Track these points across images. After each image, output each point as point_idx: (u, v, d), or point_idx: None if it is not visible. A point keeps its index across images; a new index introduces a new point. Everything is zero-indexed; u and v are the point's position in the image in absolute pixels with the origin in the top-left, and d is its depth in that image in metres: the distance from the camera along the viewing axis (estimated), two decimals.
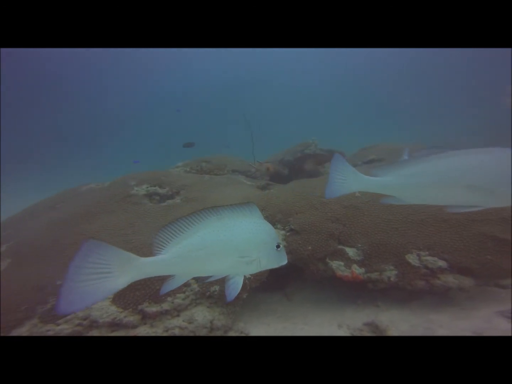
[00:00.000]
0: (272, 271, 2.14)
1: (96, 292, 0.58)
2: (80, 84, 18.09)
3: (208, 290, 1.45)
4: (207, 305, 1.41)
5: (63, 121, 18.19)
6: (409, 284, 1.60)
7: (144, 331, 1.23)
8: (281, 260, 0.82)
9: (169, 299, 1.36)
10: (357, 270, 1.72)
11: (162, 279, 1.40)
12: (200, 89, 22.45)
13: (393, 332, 1.52)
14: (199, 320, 1.33)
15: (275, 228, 2.09)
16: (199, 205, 2.03)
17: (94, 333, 1.17)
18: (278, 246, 0.80)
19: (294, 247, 1.92)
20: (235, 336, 1.49)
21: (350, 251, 1.80)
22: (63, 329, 1.19)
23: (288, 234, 2.03)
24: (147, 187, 2.17)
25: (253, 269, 0.78)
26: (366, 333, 1.60)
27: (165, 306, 1.33)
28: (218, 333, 1.45)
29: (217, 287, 1.45)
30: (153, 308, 1.30)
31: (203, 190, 2.27)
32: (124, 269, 0.63)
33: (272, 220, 2.14)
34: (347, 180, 0.98)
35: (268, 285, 2.21)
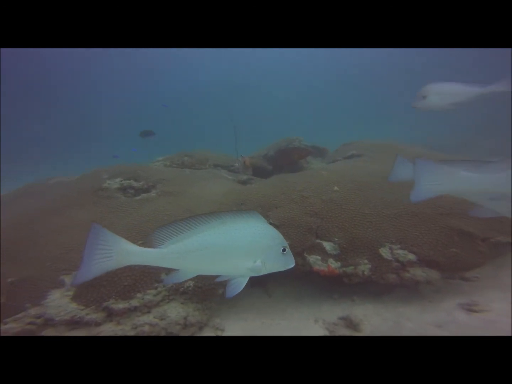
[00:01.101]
0: None
1: (98, 269, 0.71)
2: (72, 83, 18.05)
3: (182, 286, 1.42)
4: (181, 301, 1.38)
5: (59, 120, 18.13)
6: (381, 278, 1.63)
7: (109, 328, 1.19)
8: (288, 263, 0.84)
9: (138, 295, 1.32)
10: (333, 264, 1.74)
11: (131, 276, 1.35)
12: (190, 88, 22.52)
13: (366, 326, 1.56)
14: (172, 317, 1.30)
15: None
16: (176, 199, 1.98)
17: (50, 332, 1.11)
18: (284, 250, 0.82)
19: None
20: (208, 336, 1.47)
21: (327, 245, 1.82)
22: (10, 328, 1.11)
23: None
24: (121, 181, 2.08)
25: (257, 271, 0.82)
26: (341, 327, 1.63)
27: (134, 302, 1.28)
28: (192, 330, 1.42)
29: (191, 283, 1.42)
30: (120, 305, 1.25)
31: (182, 184, 2.21)
32: (122, 254, 0.73)
33: None
34: (438, 180, 0.95)
35: (248, 281, 2.21)
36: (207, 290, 1.44)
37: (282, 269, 0.84)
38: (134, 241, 1.52)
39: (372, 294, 1.85)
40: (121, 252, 0.73)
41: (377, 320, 1.59)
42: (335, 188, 2.18)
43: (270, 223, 2.06)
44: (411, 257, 1.60)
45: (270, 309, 1.93)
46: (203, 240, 0.75)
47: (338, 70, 21.80)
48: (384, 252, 1.65)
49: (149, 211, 1.78)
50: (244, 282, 0.82)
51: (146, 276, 1.37)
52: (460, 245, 1.54)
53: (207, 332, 1.51)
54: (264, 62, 21.87)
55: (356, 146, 3.21)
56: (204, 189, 2.19)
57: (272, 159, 4.00)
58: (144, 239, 1.52)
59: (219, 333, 1.52)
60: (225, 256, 0.78)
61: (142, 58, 18.46)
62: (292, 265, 0.84)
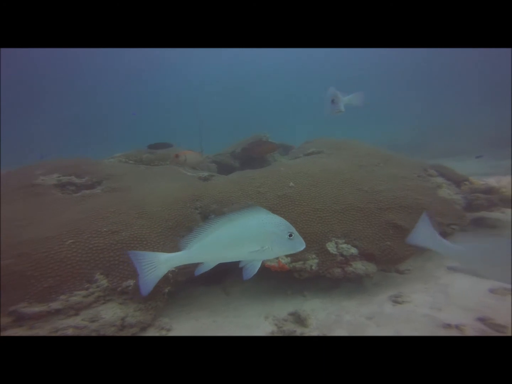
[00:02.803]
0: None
1: (152, 279, 0.90)
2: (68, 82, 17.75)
3: (120, 286, 1.34)
4: (120, 301, 1.30)
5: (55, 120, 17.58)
6: (328, 272, 1.68)
7: (15, 334, 1.07)
8: (296, 247, 0.93)
9: (62, 297, 1.21)
10: (283, 260, 1.76)
11: (55, 278, 1.24)
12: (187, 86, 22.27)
13: (313, 320, 1.61)
14: (107, 318, 1.22)
15: (208, 219, 2.03)
16: (123, 195, 1.86)
17: None
18: (290, 235, 0.90)
19: None
20: (147, 336, 1.40)
21: None
22: None
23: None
24: (59, 177, 1.90)
25: (267, 255, 0.93)
26: (290, 323, 1.65)
27: (55, 305, 1.18)
28: (132, 331, 1.35)
29: (131, 282, 1.34)
30: (35, 308, 1.14)
31: (133, 180, 2.09)
32: (162, 263, 0.91)
33: (207, 210, 2.07)
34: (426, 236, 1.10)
35: (206, 279, 2.17)
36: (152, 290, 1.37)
37: (292, 252, 0.95)
38: (65, 238, 1.41)
39: (321, 290, 1.90)
40: (161, 261, 0.91)
41: (323, 314, 1.64)
42: (291, 184, 2.22)
43: None
44: (353, 251, 1.67)
45: (225, 307, 1.91)
46: (217, 235, 0.90)
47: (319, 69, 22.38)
48: (331, 246, 1.71)
49: (89, 208, 1.65)
50: (257, 265, 0.92)
51: (74, 277, 1.26)
52: (393, 238, 1.64)
53: (151, 333, 1.45)
54: (255, 62, 22.04)
55: (316, 144, 3.30)
56: (157, 185, 2.09)
57: (239, 155, 3.99)
58: (77, 236, 1.41)
59: (164, 333, 1.47)
60: (236, 245, 0.91)
61: (125, 58, 17.86)
62: (301, 247, 0.93)
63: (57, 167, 2.01)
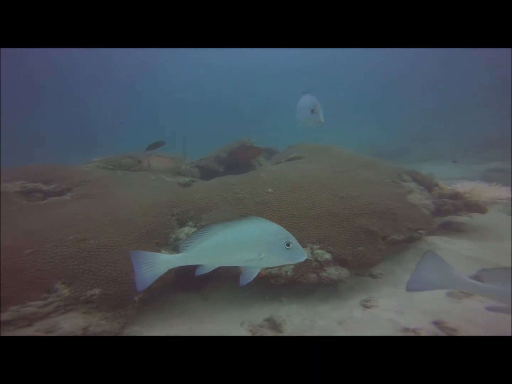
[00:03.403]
0: (187, 271, 2.09)
1: (150, 277, 0.94)
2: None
3: (84, 295, 1.31)
4: (84, 310, 1.27)
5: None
6: (303, 278, 1.71)
7: None
8: (296, 257, 0.91)
9: (12, 308, 1.18)
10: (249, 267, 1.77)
11: (9, 288, 1.20)
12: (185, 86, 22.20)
13: (288, 326, 1.62)
14: (66, 328, 1.18)
15: (185, 225, 2.03)
16: (96, 202, 1.83)
17: None
18: (288, 245, 0.90)
19: None
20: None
21: None
22: None
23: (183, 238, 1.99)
24: (24, 183, 1.85)
25: (265, 264, 0.93)
26: (265, 328, 1.66)
27: (4, 316, 1.13)
28: None
29: (97, 291, 1.32)
30: None
31: (108, 187, 2.06)
32: (160, 263, 0.94)
33: (184, 217, 2.07)
34: (435, 277, 0.97)
35: (185, 285, 2.16)
36: (120, 297, 1.35)
37: (290, 262, 0.93)
38: (24, 247, 1.36)
39: (299, 294, 1.92)
40: (160, 261, 0.95)
41: (298, 319, 1.66)
42: (270, 190, 2.24)
43: (202, 226, 2.05)
44: (328, 256, 1.70)
45: (202, 312, 1.90)
46: (215, 240, 0.92)
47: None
48: (306, 252, 1.73)
49: (55, 216, 1.62)
50: (254, 273, 0.93)
51: (31, 287, 1.23)
52: (365, 243, 1.69)
53: None
54: (246, 64, 22.15)
55: (298, 149, 3.35)
56: (134, 192, 2.07)
57: (224, 160, 4.00)
58: (39, 245, 1.38)
59: None
60: (234, 251, 0.92)
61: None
62: (301, 258, 0.91)
63: (22, 174, 1.95)
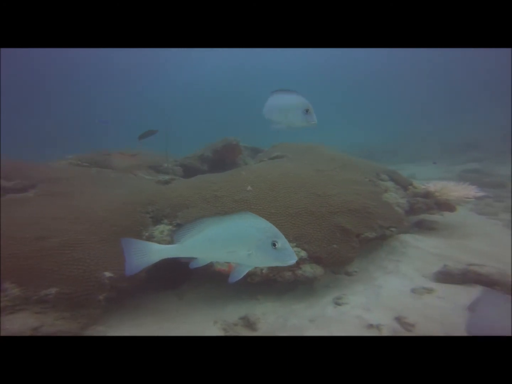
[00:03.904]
0: (163, 269, 2.05)
1: (140, 263, 0.93)
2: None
3: (37, 294, 1.24)
4: (36, 310, 1.20)
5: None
6: (279, 276, 1.70)
7: None
8: (284, 258, 0.85)
9: None
10: (234, 264, 1.75)
11: None
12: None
13: (263, 324, 1.61)
14: (12, 328, 1.11)
15: (160, 223, 1.98)
16: (62, 199, 1.76)
17: None
18: (274, 244, 0.85)
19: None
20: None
21: None
22: None
23: (174, 229, 1.94)
24: None
25: (253, 262, 0.91)
26: (240, 327, 1.64)
27: None
28: None
29: (53, 290, 1.25)
30: None
31: (79, 184, 1.99)
32: (151, 252, 0.94)
33: (159, 214, 2.02)
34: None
35: (159, 284, 2.11)
36: (81, 296, 1.30)
37: (278, 264, 0.88)
38: None
39: (276, 293, 1.92)
40: (152, 250, 0.94)
41: (273, 317, 1.65)
42: (249, 188, 2.23)
43: (178, 224, 2.01)
44: (303, 254, 1.70)
45: (176, 312, 1.86)
46: (207, 234, 0.91)
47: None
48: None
49: (14, 213, 1.53)
50: (243, 271, 0.92)
51: None
52: (340, 241, 1.70)
53: None
54: (238, 65, 22.24)
55: (281, 148, 3.36)
56: (108, 189, 2.01)
57: (208, 159, 3.99)
58: None
59: None
60: (224, 245, 0.90)
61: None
62: (290, 261, 0.85)
63: None
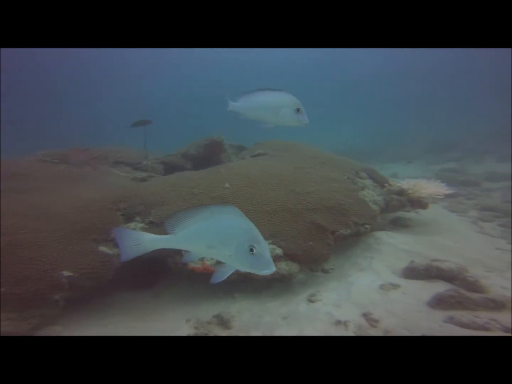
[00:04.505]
0: (136, 269, 1.98)
1: (134, 252, 0.93)
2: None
3: None
4: None
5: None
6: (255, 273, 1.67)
7: None
8: (259, 266, 0.78)
9: None
10: (208, 262, 1.71)
11: None
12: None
13: (237, 322, 1.58)
14: None
15: (132, 221, 1.91)
16: (19, 196, 1.65)
17: None
18: (251, 249, 0.78)
19: None
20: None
21: None
22: None
23: (146, 227, 1.88)
24: None
25: (234, 263, 0.85)
26: (214, 325, 1.61)
27: None
28: None
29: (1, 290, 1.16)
30: None
31: (42, 180, 1.88)
32: (145, 241, 0.93)
33: (132, 212, 1.95)
34: None
35: (136, 283, 2.04)
36: (33, 296, 1.21)
37: (254, 271, 0.80)
38: None
39: (253, 291, 1.89)
40: (145, 240, 0.93)
41: (247, 315, 1.63)
42: (226, 185, 2.19)
43: (151, 222, 1.94)
44: (279, 251, 1.68)
45: (150, 311, 1.80)
46: (196, 228, 0.88)
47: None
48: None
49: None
50: (227, 272, 0.88)
51: None
52: (315, 238, 1.69)
53: None
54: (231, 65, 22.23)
55: (264, 146, 3.34)
56: (75, 185, 1.91)
57: (191, 157, 3.95)
58: None
59: None
60: (209, 243, 0.88)
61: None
62: (265, 271, 0.78)
63: None
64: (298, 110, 1.28)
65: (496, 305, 1.24)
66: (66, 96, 18.43)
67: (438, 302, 1.28)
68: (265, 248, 0.79)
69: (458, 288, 1.37)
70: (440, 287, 1.40)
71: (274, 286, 1.89)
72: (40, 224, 1.42)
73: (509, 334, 1.10)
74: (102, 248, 1.58)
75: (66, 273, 1.29)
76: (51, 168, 2.12)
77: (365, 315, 1.23)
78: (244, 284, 1.91)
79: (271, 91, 1.34)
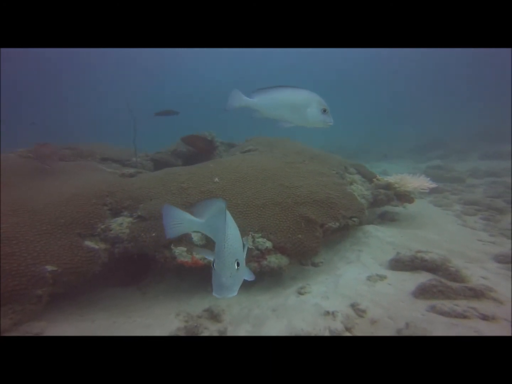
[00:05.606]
0: (124, 264, 1.94)
1: (177, 231, 0.97)
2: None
3: None
4: None
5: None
6: None
7: None
8: (215, 288, 0.68)
9: None
10: (198, 255, 1.70)
11: None
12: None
13: (227, 315, 1.57)
14: None
15: (120, 215, 1.87)
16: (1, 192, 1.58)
17: None
18: (238, 264, 0.71)
19: (136, 234, 1.75)
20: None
21: (195, 237, 1.77)
22: None
23: (135, 221, 1.84)
24: None
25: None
26: (204, 319, 1.60)
27: None
28: None
29: None
30: None
31: (23, 176, 1.81)
32: (186, 222, 0.96)
33: (119, 206, 1.91)
34: None
35: (124, 279, 2.01)
36: (14, 292, 1.16)
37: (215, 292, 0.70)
38: None
39: (243, 284, 1.88)
40: (185, 221, 0.96)
41: (237, 309, 1.62)
42: (216, 179, 2.17)
43: (139, 216, 1.91)
44: (268, 244, 1.68)
45: (136, 306, 1.78)
46: (210, 220, 0.89)
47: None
48: (247, 241, 1.70)
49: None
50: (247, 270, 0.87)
51: None
52: (304, 231, 1.70)
53: None
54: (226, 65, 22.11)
55: (254, 142, 3.34)
56: (59, 181, 1.85)
57: (182, 154, 3.90)
58: None
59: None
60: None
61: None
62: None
63: None
64: (324, 110, 1.18)
65: (475, 293, 1.29)
66: (65, 96, 18.04)
67: (421, 292, 1.32)
68: (240, 267, 0.72)
69: (440, 278, 1.41)
70: (423, 278, 1.43)
71: (265, 280, 1.89)
72: (18, 219, 1.37)
73: (488, 322, 1.13)
74: (88, 243, 1.54)
75: (49, 267, 1.25)
76: (33, 164, 2.05)
77: (353, 306, 1.26)
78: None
79: (293, 88, 1.22)
